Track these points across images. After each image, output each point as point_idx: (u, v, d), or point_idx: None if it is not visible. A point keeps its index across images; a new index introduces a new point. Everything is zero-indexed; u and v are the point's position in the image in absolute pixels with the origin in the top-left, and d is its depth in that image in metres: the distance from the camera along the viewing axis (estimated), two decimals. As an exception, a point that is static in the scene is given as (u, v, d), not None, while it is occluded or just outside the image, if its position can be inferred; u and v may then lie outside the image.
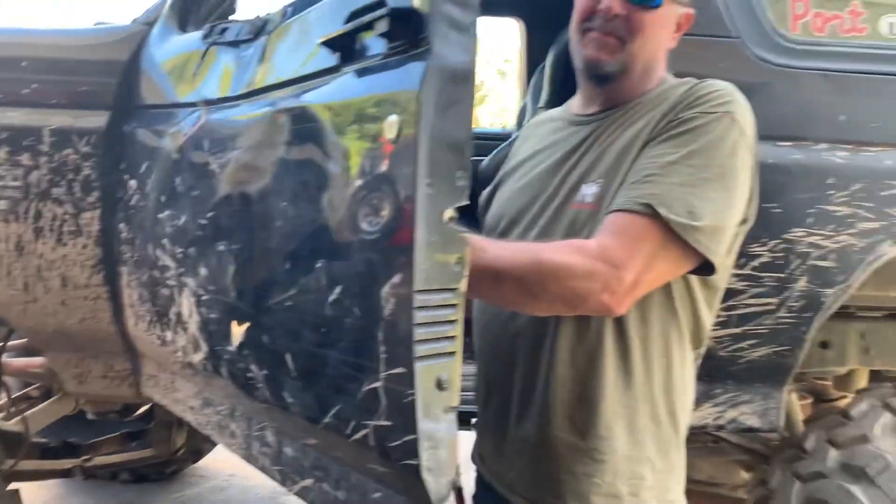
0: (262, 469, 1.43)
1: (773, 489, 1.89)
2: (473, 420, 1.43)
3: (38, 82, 1.94)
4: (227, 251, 1.39)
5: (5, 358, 2.33)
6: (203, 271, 1.46)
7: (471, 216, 1.46)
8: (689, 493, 1.31)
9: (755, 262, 1.68)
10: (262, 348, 1.29)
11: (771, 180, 1.63)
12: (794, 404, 2.11)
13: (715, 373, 1.76)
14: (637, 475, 1.21)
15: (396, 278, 0.93)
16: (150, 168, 1.75)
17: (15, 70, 1.95)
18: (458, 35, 0.94)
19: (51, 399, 2.44)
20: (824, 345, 1.99)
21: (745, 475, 2.56)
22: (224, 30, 1.65)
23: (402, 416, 0.94)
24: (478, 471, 1.43)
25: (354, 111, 1.07)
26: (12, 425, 2.36)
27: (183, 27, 1.96)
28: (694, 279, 1.21)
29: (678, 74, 1.34)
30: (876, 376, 2.14)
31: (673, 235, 1.09)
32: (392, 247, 0.95)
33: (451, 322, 0.94)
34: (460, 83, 0.94)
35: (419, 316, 0.91)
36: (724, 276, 1.25)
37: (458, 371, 0.95)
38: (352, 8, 1.08)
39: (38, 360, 2.29)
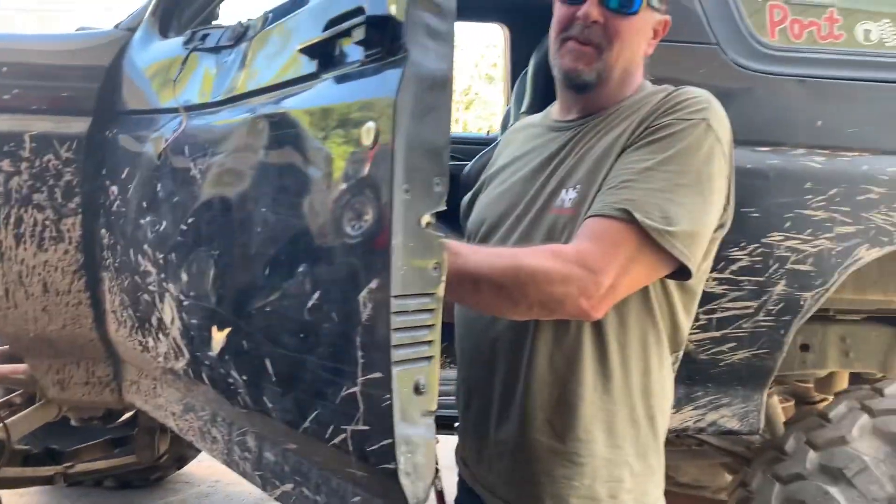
0: (243, 474, 1.44)
1: (753, 491, 1.91)
2: (456, 424, 1.43)
3: (20, 88, 1.94)
4: (207, 257, 1.39)
5: (-13, 365, 2.32)
6: (184, 277, 1.46)
7: (454, 221, 1.48)
8: (675, 495, 1.32)
9: (734, 266, 1.70)
10: (242, 353, 1.29)
11: (749, 185, 1.65)
12: (775, 407, 2.14)
13: (695, 376, 1.78)
14: (616, 478, 1.22)
15: (374, 283, 0.94)
16: (132, 174, 1.75)
17: (-4, 75, 1.95)
18: (435, 42, 0.94)
19: (33, 406, 2.42)
20: (804, 348, 2.02)
21: (728, 478, 2.58)
22: (205, 36, 1.65)
23: (379, 420, 0.94)
24: (460, 474, 1.43)
25: (333, 117, 1.08)
26: (-6, 433, 2.34)
27: (165, 33, 1.96)
28: (671, 283, 1.23)
29: (658, 80, 1.35)
30: (856, 379, 2.16)
31: (649, 240, 1.10)
32: (370, 252, 0.96)
33: (429, 327, 0.94)
34: (437, 90, 0.94)
35: (397, 321, 0.91)
36: (700, 281, 1.27)
37: (435, 375, 0.95)
38: (330, 15, 1.09)
39: (20, 367, 2.27)
